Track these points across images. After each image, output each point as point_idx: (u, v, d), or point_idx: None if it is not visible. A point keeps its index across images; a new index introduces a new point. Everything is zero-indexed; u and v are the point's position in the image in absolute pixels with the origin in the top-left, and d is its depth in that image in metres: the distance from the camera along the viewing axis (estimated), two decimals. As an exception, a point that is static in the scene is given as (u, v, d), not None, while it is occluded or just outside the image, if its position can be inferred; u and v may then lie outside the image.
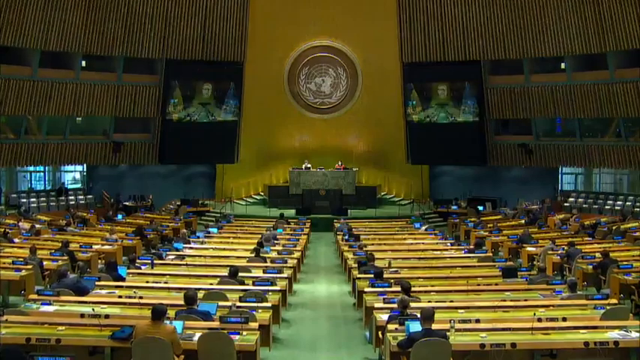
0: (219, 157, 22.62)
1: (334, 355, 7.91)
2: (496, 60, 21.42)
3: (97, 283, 8.74)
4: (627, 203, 20.42)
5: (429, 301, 7.90)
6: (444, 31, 21.57)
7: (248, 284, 8.98)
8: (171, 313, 6.75)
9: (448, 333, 6.23)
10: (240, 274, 9.25)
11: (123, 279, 9.27)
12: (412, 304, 7.37)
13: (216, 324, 6.71)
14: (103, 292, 8.47)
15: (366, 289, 8.87)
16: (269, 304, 7.85)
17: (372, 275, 9.45)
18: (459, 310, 7.52)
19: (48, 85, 19.70)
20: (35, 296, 7.89)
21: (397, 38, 22.14)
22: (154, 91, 21.72)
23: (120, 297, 8.08)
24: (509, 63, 21.47)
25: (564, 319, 7.01)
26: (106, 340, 6.22)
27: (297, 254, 12.69)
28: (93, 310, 7.10)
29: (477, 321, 7.02)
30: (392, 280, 9.16)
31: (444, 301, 8.04)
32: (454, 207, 21.59)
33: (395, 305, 7.23)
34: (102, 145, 21.45)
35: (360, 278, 9.83)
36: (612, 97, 19.18)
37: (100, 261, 12.19)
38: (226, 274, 9.25)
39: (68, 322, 6.66)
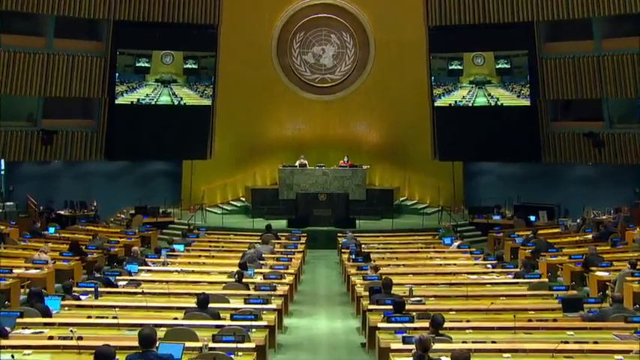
0: (186, 152, 22.65)
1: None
2: (555, 20, 21.41)
3: (18, 320, 8.69)
4: None
5: (464, 342, 7.92)
6: (484, -17, 21.65)
7: (224, 318, 8.99)
8: (121, 358, 6.71)
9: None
10: (213, 305, 9.27)
11: (50, 314, 9.22)
12: (440, 346, 7.34)
13: (181, 372, 6.71)
14: (28, 332, 8.45)
15: (379, 325, 8.93)
16: (252, 345, 7.89)
17: (388, 306, 9.47)
18: (504, 355, 7.56)
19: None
20: None
21: (422, -7, 22.24)
22: (98, 63, 21.69)
23: (51, 338, 8.06)
24: (572, 24, 21.44)
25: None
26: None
27: (289, 279, 12.76)
28: (12, 357, 7.06)
29: (529, 369, 7.04)
30: (414, 313, 9.19)
31: (484, 342, 8.06)
32: (496, 217, 21.61)
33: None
34: (26, 135, 21.36)
35: (372, 310, 9.89)
36: None
37: (22, 290, 12.13)
38: (194, 305, 9.26)
39: (-22, 376, 6.64)
